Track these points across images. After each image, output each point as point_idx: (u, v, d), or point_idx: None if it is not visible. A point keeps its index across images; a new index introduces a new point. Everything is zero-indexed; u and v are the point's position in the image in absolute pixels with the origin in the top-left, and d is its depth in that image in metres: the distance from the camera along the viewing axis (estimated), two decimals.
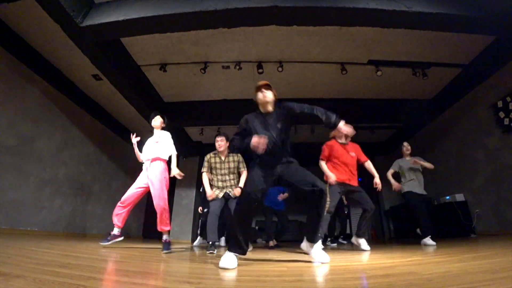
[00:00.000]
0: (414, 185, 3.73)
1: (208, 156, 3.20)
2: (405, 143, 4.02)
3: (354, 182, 3.11)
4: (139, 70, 4.49)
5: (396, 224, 6.76)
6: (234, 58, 4.21)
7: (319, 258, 1.71)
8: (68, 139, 4.90)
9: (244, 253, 1.59)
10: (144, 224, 7.69)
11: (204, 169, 3.14)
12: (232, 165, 3.15)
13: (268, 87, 1.89)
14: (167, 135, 2.99)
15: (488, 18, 3.12)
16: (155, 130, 3.06)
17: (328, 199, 2.79)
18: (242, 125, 1.90)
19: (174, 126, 5.79)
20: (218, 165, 3.14)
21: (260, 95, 1.87)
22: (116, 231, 2.84)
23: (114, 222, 2.90)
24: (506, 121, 3.95)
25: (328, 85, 4.87)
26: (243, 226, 1.61)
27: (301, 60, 4.25)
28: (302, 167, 1.80)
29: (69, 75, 4.61)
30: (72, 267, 1.20)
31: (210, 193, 2.99)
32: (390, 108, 5.46)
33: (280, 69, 4.21)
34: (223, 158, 3.14)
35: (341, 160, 3.13)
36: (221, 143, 3.12)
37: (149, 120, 3.11)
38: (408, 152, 3.95)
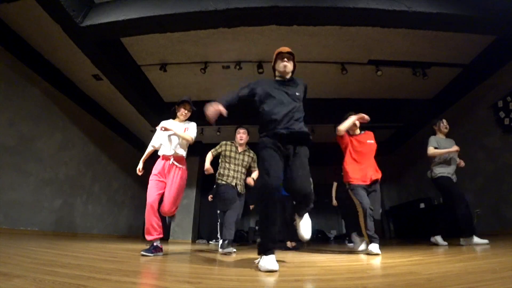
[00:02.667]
0: (450, 169, 3.13)
1: (224, 142, 3.13)
2: (444, 120, 3.39)
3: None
4: (139, 70, 4.49)
5: (396, 224, 6.76)
6: (234, 58, 4.21)
7: (303, 229, 1.67)
8: (68, 139, 4.90)
9: (273, 252, 1.40)
10: (144, 224, 7.69)
11: (213, 150, 3.10)
12: (246, 159, 3.10)
13: (290, 56, 1.73)
14: (194, 126, 2.58)
15: (488, 18, 3.12)
16: (177, 122, 2.57)
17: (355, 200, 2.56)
18: (251, 86, 1.78)
19: None
20: (233, 155, 3.07)
21: (281, 65, 1.72)
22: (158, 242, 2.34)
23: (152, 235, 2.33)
24: (506, 121, 3.95)
25: (328, 85, 4.87)
26: (272, 222, 1.41)
27: (301, 60, 4.23)
28: (306, 161, 1.60)
29: (69, 75, 4.61)
30: (72, 267, 1.20)
31: (208, 166, 2.92)
32: (390, 108, 5.46)
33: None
34: (240, 150, 3.11)
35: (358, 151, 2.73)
36: (243, 135, 3.10)
37: (175, 108, 2.59)
38: (446, 130, 3.34)
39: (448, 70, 4.50)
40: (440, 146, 3.18)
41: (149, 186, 2.34)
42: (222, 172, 3.06)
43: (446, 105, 5.16)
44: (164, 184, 2.38)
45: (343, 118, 2.81)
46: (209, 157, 3.06)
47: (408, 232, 5.89)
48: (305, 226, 1.69)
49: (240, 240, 7.02)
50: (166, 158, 2.43)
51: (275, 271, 1.25)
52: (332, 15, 3.11)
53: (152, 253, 2.12)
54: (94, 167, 5.68)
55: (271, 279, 1.12)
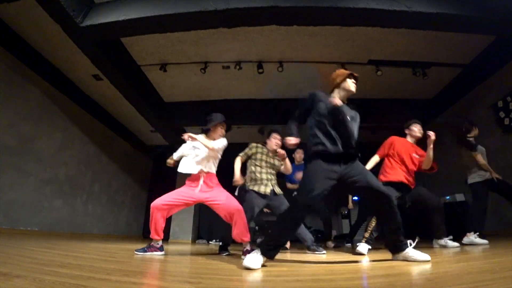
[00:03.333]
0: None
1: (254, 144, 2.89)
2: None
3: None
4: (139, 70, 4.49)
5: None
6: (234, 58, 4.21)
7: (418, 257, 1.51)
8: (68, 139, 4.91)
9: (272, 258, 1.48)
10: (144, 224, 7.70)
11: (242, 154, 2.84)
12: (277, 163, 2.90)
13: (357, 80, 1.78)
14: (221, 141, 2.38)
15: (488, 18, 3.12)
16: (210, 138, 2.38)
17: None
18: (311, 100, 1.73)
19: (174, 126, 5.79)
20: (264, 157, 2.85)
21: (351, 84, 1.74)
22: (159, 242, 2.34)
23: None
24: (507, 121, 3.95)
25: (328, 85, 4.86)
26: (289, 232, 1.49)
27: (301, 60, 4.25)
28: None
29: (69, 75, 4.61)
30: (72, 267, 1.20)
31: (238, 177, 2.67)
32: (390, 108, 5.46)
33: (280, 69, 4.21)
34: (271, 154, 2.90)
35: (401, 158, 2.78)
36: (279, 142, 2.84)
37: (211, 122, 2.38)
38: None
39: (448, 70, 4.50)
40: (484, 152, 3.25)
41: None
42: (254, 177, 2.80)
43: (446, 105, 5.16)
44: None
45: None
46: (239, 164, 2.77)
47: (408, 232, 5.88)
48: (417, 254, 1.56)
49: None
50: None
51: (254, 269, 1.31)
52: (332, 15, 3.11)
53: (146, 251, 2.18)
54: (94, 167, 5.68)
55: (271, 279, 1.12)
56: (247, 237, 2.15)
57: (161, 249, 2.28)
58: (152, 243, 2.26)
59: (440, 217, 2.77)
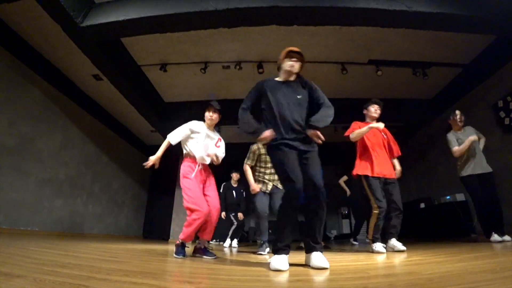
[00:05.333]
0: (476, 163, 3.02)
1: (255, 146, 2.88)
2: (457, 111, 3.21)
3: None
4: (139, 70, 4.49)
5: None
6: (234, 58, 4.22)
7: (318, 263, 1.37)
8: (68, 139, 4.91)
9: (288, 253, 1.45)
10: (144, 224, 7.70)
11: (248, 161, 2.87)
12: (269, 158, 2.90)
13: (300, 57, 1.68)
14: (221, 138, 2.45)
15: (488, 18, 3.12)
16: (207, 129, 2.40)
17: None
18: (258, 91, 1.68)
19: (174, 126, 5.78)
20: (264, 158, 2.88)
21: (288, 64, 1.66)
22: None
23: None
24: (507, 121, 3.95)
25: (328, 85, 4.86)
26: (292, 223, 1.48)
27: None
28: (318, 159, 1.58)
29: (69, 75, 4.62)
30: (72, 267, 1.20)
31: (254, 186, 2.73)
32: (390, 108, 5.45)
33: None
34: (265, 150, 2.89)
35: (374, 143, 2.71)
36: None
37: (204, 112, 2.43)
38: (461, 124, 3.17)
39: (448, 70, 4.50)
40: (459, 142, 3.08)
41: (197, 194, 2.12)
42: (261, 179, 2.82)
43: (446, 105, 5.16)
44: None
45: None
46: (250, 171, 2.75)
47: (408, 232, 5.88)
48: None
49: (241, 240, 7.02)
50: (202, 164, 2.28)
51: (282, 270, 1.28)
52: (332, 15, 3.11)
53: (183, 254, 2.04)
54: (94, 167, 5.68)
55: (271, 279, 1.12)
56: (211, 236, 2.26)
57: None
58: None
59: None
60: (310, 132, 1.54)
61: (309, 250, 1.47)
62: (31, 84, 4.07)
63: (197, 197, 2.07)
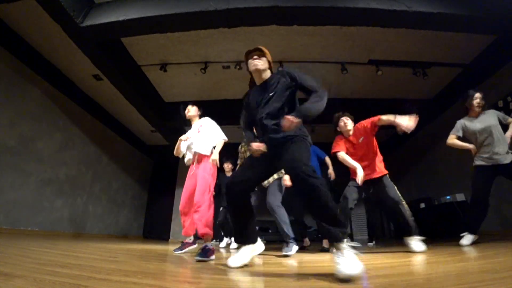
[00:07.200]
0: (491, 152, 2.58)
1: (241, 149, 2.88)
2: (477, 94, 2.70)
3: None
4: (139, 70, 4.49)
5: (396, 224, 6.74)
6: (234, 58, 4.22)
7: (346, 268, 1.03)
8: (68, 139, 4.91)
9: (254, 242, 1.49)
10: (144, 224, 7.70)
11: (242, 162, 2.82)
12: None
13: (259, 52, 1.60)
14: (208, 122, 2.55)
15: (488, 18, 3.12)
16: (193, 123, 2.59)
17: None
18: (244, 105, 1.68)
19: (174, 126, 5.79)
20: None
21: (250, 64, 1.62)
22: (188, 239, 2.52)
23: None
24: None
25: (328, 85, 4.86)
26: (239, 218, 1.48)
27: (301, 60, 4.25)
28: (301, 146, 1.37)
29: (69, 75, 4.61)
30: (72, 267, 1.20)
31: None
32: (390, 108, 5.45)
33: (280, 69, 4.20)
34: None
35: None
36: None
37: (181, 114, 2.64)
38: (479, 109, 2.70)
39: (448, 70, 4.49)
40: (468, 130, 2.70)
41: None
42: None
43: (446, 105, 5.16)
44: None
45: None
46: None
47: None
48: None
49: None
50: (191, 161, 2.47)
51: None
52: (332, 15, 3.11)
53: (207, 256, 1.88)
54: (94, 167, 5.68)
55: (271, 279, 1.12)
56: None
57: (194, 243, 2.54)
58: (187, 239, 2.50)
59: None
60: (282, 122, 1.29)
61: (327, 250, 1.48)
62: (31, 84, 4.07)
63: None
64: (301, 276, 1.22)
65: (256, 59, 1.59)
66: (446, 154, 5.38)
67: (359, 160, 2.51)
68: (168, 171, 7.98)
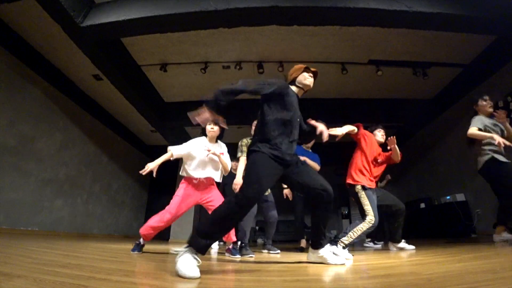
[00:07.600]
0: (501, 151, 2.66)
1: (245, 141, 2.79)
2: (487, 97, 2.85)
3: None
4: (139, 70, 4.49)
5: None
6: (234, 58, 4.22)
7: (334, 260, 1.56)
8: (68, 139, 4.91)
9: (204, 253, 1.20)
10: (144, 224, 7.69)
11: (243, 156, 2.67)
12: None
13: (315, 75, 1.77)
14: (226, 150, 2.38)
15: (488, 18, 3.12)
16: (210, 140, 2.34)
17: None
18: (285, 91, 1.59)
19: (174, 126, 5.79)
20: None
21: (309, 79, 1.71)
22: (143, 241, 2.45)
23: (145, 234, 2.45)
24: (507, 121, 3.95)
25: (328, 85, 4.87)
26: (226, 229, 1.32)
27: (301, 60, 4.24)
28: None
29: (69, 75, 4.62)
30: (72, 267, 1.20)
31: (240, 181, 2.45)
32: (390, 108, 5.46)
33: (280, 69, 4.21)
34: None
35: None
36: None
37: (202, 127, 2.32)
38: (491, 110, 2.84)
39: (448, 70, 4.49)
40: (488, 125, 2.74)
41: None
42: None
43: (446, 105, 5.16)
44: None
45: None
46: (243, 164, 2.59)
47: (408, 232, 5.89)
48: (333, 257, 1.61)
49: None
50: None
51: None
52: (332, 15, 3.11)
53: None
54: (94, 167, 5.68)
55: (271, 279, 1.12)
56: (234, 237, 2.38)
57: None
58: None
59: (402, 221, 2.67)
60: (319, 128, 1.67)
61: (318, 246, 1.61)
62: (31, 84, 4.07)
63: (171, 208, 2.38)
64: (301, 275, 1.22)
65: (312, 77, 1.75)
66: (446, 154, 5.38)
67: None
68: (168, 171, 7.97)
